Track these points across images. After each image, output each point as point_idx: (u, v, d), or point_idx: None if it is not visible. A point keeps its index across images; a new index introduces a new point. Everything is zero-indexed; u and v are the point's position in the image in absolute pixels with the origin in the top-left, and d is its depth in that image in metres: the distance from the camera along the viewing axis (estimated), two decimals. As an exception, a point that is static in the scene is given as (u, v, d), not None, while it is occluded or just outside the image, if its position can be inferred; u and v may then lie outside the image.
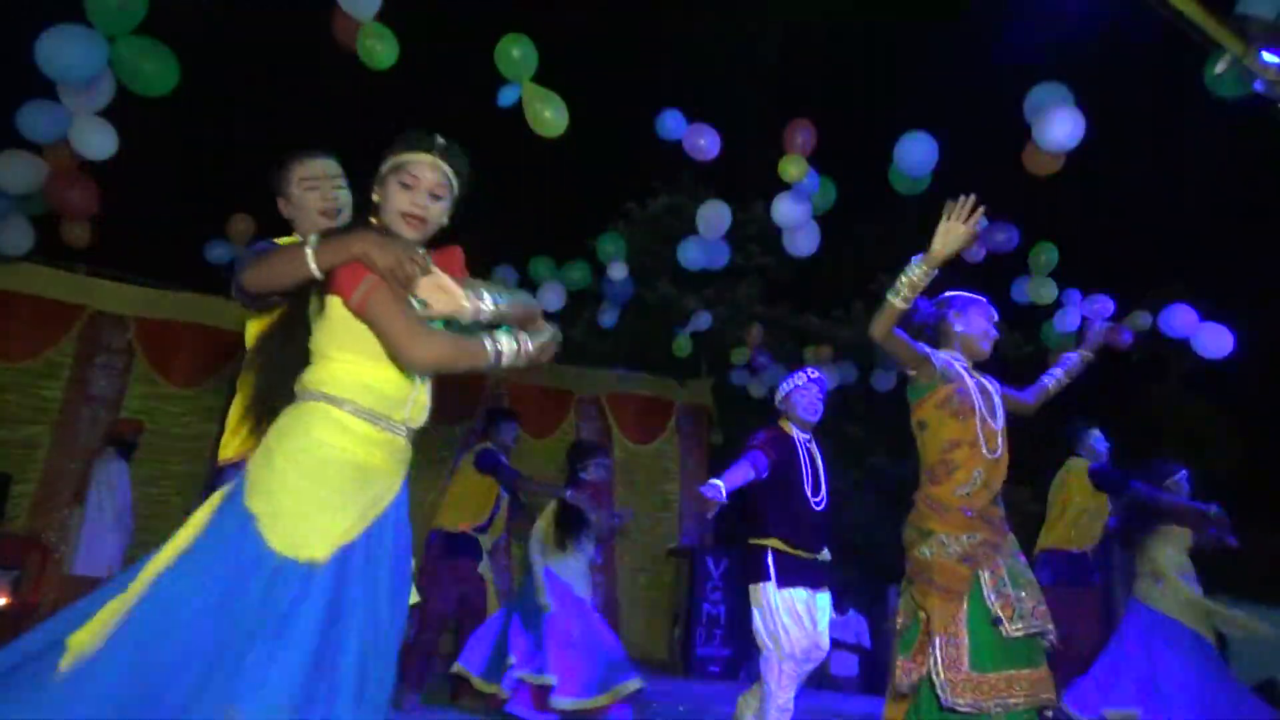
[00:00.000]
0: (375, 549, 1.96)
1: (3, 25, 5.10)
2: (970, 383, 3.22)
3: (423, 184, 2.12)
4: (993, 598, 2.89)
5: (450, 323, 2.09)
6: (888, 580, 8.60)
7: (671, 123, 6.19)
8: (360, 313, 1.97)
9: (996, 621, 2.86)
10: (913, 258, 3.05)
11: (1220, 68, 4.21)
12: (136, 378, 7.27)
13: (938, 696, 2.84)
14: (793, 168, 6.08)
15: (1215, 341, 6.81)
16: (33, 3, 4.44)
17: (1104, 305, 7.41)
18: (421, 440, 2.17)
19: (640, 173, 11.56)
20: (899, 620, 3.14)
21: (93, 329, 7.20)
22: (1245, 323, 7.13)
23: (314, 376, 2.01)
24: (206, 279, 7.64)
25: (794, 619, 4.19)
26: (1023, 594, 2.92)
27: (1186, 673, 5.06)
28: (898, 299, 3.03)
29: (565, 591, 5.27)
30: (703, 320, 9.29)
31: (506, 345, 2.06)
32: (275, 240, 2.64)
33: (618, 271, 7.98)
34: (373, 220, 2.18)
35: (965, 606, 2.90)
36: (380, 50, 4.97)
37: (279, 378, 2.08)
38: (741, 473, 4.12)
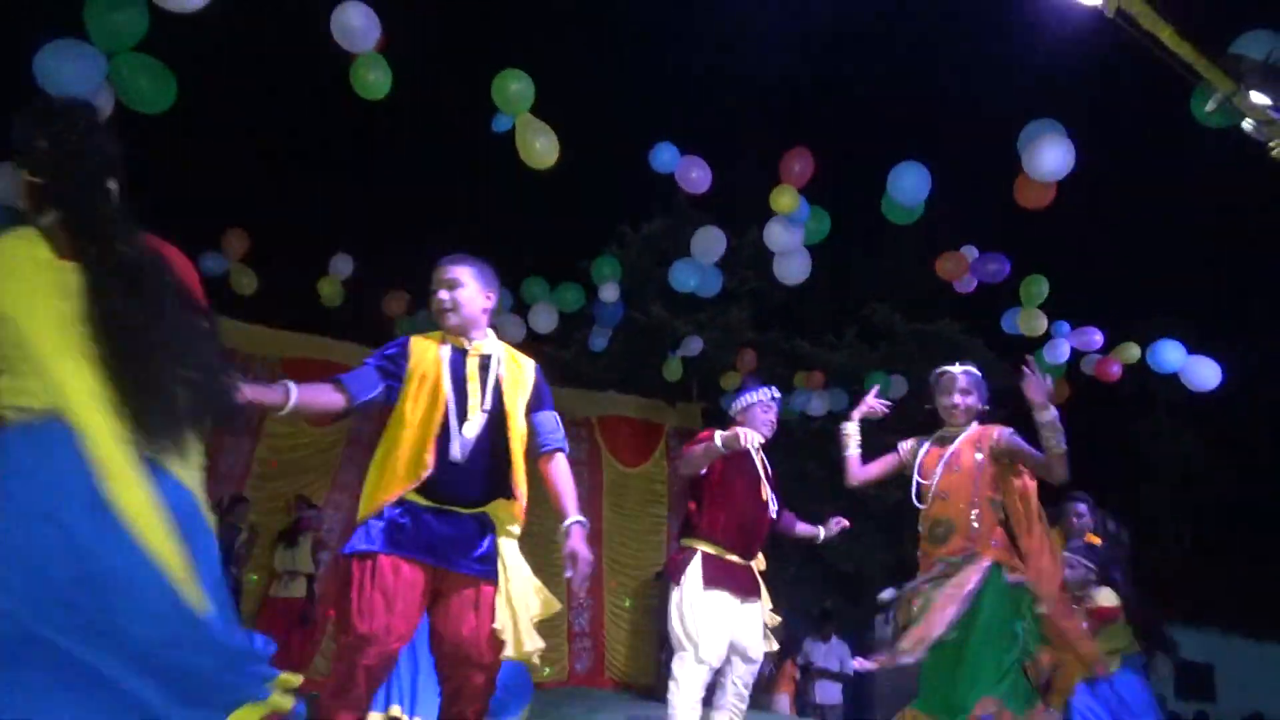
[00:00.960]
0: None
1: (1, 37, 5.12)
2: (921, 451, 3.90)
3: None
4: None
5: None
6: (875, 610, 8.57)
7: (665, 155, 6.22)
8: None
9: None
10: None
11: (1210, 106, 4.26)
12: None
13: None
14: (785, 199, 6.12)
15: (1204, 374, 6.85)
16: (33, 16, 4.46)
17: (1093, 337, 7.47)
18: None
19: (634, 196, 11.63)
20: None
21: (82, 342, 7.17)
22: (1233, 355, 7.18)
23: None
24: (199, 293, 7.61)
25: (714, 623, 4.11)
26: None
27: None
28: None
29: None
30: (694, 344, 9.31)
31: None
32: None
33: (610, 293, 7.99)
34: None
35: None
36: (374, 81, 4.99)
37: None
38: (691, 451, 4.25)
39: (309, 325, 7.80)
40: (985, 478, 3.68)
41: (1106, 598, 4.63)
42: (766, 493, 4.44)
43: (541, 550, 4.89)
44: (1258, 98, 4.04)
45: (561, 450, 3.00)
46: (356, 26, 4.78)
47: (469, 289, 2.89)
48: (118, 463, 1.77)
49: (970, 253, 7.11)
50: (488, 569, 2.81)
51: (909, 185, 5.87)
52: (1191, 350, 6.97)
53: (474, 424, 2.78)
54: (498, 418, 2.84)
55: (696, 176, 6.27)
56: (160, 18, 4.29)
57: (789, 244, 6.54)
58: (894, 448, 4.01)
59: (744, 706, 4.33)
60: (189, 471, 1.93)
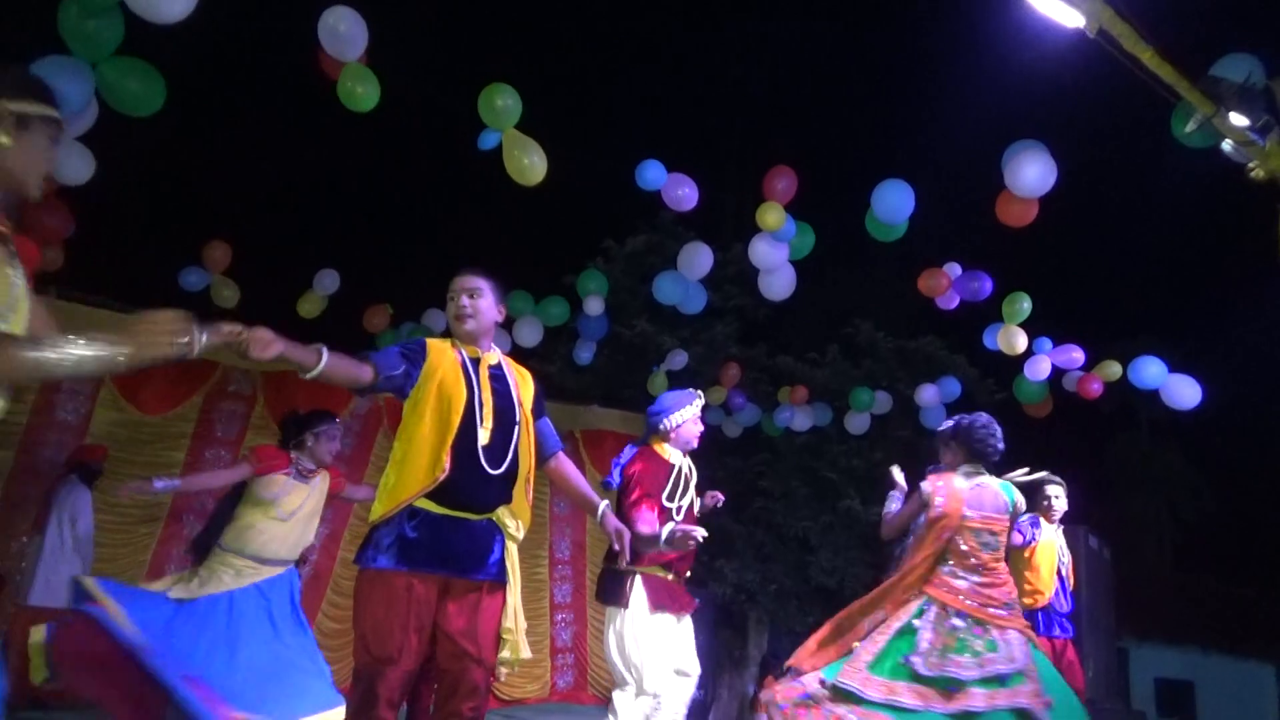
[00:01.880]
0: None
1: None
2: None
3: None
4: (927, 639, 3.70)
5: None
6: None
7: (651, 173, 6.24)
8: None
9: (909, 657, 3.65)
10: None
11: (1190, 127, 4.31)
12: (103, 403, 7.15)
13: None
14: (771, 215, 6.14)
15: (1184, 392, 6.90)
16: (8, 27, 4.43)
17: (1074, 355, 7.51)
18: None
19: (619, 212, 11.63)
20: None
21: (61, 353, 7.08)
22: (1214, 374, 7.24)
23: None
24: (180, 306, 7.53)
25: (659, 650, 3.97)
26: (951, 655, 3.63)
27: None
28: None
29: None
30: (679, 359, 9.31)
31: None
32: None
33: (595, 307, 7.99)
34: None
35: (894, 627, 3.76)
36: (362, 93, 4.97)
37: None
38: (651, 516, 3.93)
39: (290, 338, 7.76)
40: None
41: None
42: (695, 506, 4.36)
43: (525, 560, 4.87)
44: (1237, 119, 4.09)
45: (562, 450, 3.24)
46: (343, 32, 4.76)
47: (487, 300, 3.04)
48: None
49: (953, 270, 7.15)
50: (498, 573, 2.88)
51: (892, 203, 5.91)
52: (1172, 368, 7.03)
53: (488, 430, 2.86)
54: (510, 424, 2.93)
55: (683, 194, 6.29)
56: (141, 29, 4.27)
57: (774, 260, 6.56)
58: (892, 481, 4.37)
59: None
60: None
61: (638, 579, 4.04)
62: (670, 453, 4.32)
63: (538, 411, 3.13)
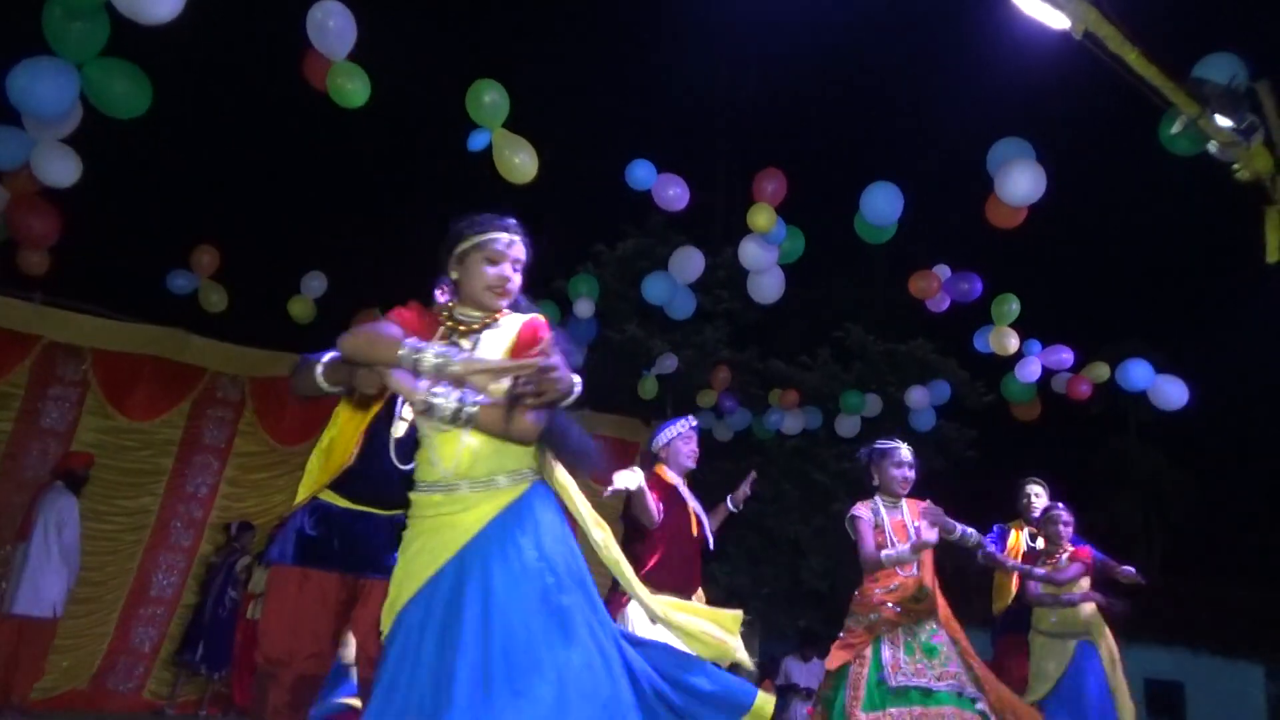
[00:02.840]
0: None
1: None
2: (886, 519, 4.29)
3: (507, 258, 2.32)
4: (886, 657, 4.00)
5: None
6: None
7: (641, 173, 6.23)
8: None
9: (883, 678, 3.95)
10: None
11: (1176, 128, 4.33)
12: (89, 410, 7.09)
13: None
14: (761, 218, 6.14)
15: (1171, 393, 6.93)
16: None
17: (1063, 356, 7.54)
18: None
19: (610, 215, 11.63)
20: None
21: (47, 360, 7.02)
22: (1201, 375, 7.27)
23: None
24: (167, 311, 7.51)
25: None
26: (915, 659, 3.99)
27: None
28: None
29: None
30: (669, 362, 9.30)
31: (429, 355, 1.95)
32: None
33: (585, 309, 7.97)
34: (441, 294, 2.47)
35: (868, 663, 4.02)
36: (351, 89, 4.95)
37: None
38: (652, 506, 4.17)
39: (279, 343, 7.71)
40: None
41: None
42: (698, 527, 4.43)
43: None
44: (1221, 120, 4.11)
45: None
46: (332, 28, 4.74)
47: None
48: None
49: (942, 272, 7.17)
50: None
51: (881, 205, 5.91)
52: (1159, 370, 7.06)
53: (406, 421, 2.66)
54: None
55: (674, 194, 6.28)
56: (128, 31, 4.24)
57: (764, 263, 6.55)
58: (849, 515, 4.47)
59: None
60: None
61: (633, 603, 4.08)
62: (670, 476, 4.50)
63: None
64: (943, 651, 4.05)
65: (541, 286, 8.61)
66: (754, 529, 11.07)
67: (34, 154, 4.89)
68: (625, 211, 11.27)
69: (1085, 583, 5.29)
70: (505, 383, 1.97)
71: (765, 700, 2.27)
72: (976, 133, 5.74)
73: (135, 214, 10.78)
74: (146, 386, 7.25)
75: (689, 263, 7.20)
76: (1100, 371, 7.49)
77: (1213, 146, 4.31)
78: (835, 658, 4.16)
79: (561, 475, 2.25)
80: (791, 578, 11.70)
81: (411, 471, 2.50)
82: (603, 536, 2.38)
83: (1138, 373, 7.06)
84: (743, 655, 2.55)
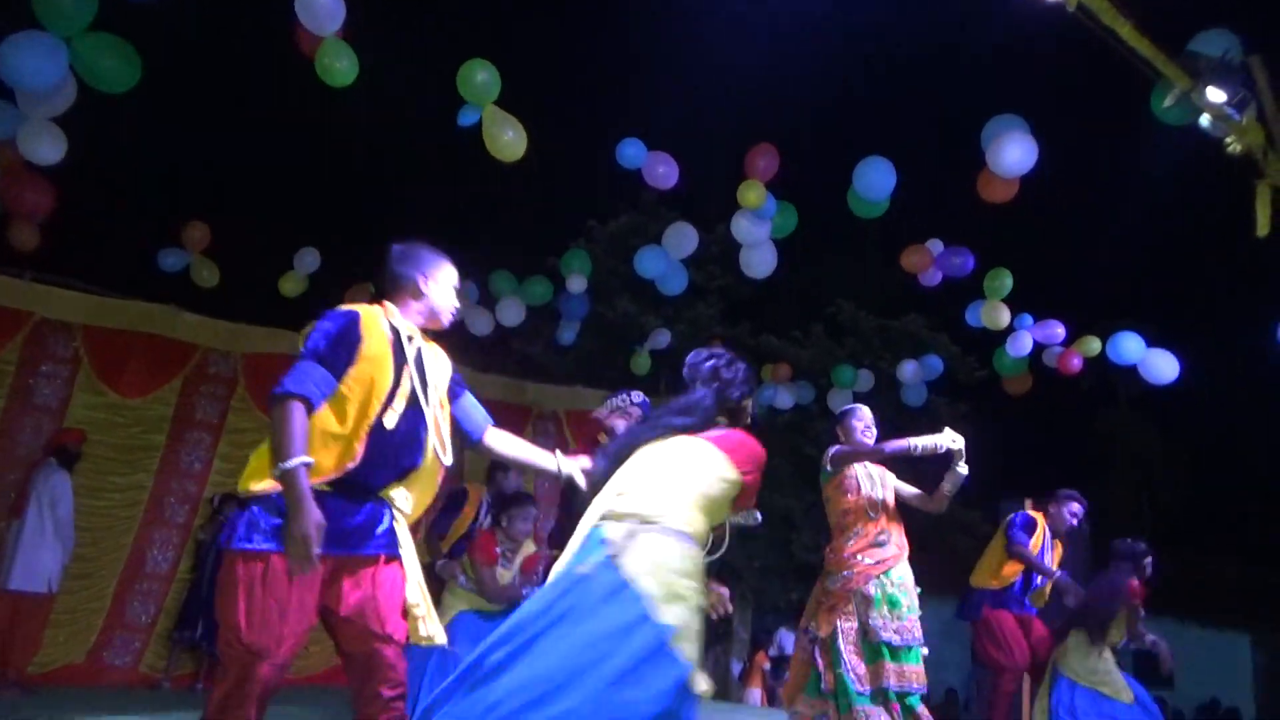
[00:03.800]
0: None
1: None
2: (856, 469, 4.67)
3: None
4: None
5: None
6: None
7: (631, 151, 6.21)
8: None
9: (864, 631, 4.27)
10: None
11: (1168, 101, 4.33)
12: (81, 387, 7.09)
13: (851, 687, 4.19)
14: (752, 194, 6.14)
15: (1162, 367, 6.97)
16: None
17: (1055, 331, 7.57)
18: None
19: (603, 191, 11.59)
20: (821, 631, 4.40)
21: (38, 336, 7.01)
22: (1192, 349, 7.31)
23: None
24: (158, 287, 7.49)
25: None
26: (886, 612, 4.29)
27: None
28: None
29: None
30: (662, 338, 9.31)
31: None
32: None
33: (578, 285, 7.97)
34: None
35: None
36: (339, 68, 4.91)
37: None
38: None
39: (271, 319, 7.70)
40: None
41: None
42: None
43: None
44: (1214, 94, 4.11)
45: (493, 423, 3.05)
46: (321, 5, 4.71)
47: None
48: None
49: (935, 246, 7.18)
50: (388, 544, 2.65)
51: (874, 180, 5.92)
52: (1150, 343, 7.09)
53: (397, 414, 2.64)
54: (418, 410, 2.70)
55: (663, 172, 6.28)
56: (117, 5, 4.21)
57: (756, 237, 6.56)
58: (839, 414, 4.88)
59: None
60: None
61: None
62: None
63: (456, 393, 2.91)
64: (904, 601, 4.35)
65: (535, 263, 8.58)
66: (746, 503, 11.13)
67: (21, 130, 4.86)
68: (618, 189, 11.25)
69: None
70: None
71: None
72: (969, 107, 5.74)
73: (126, 190, 10.71)
74: (138, 363, 7.24)
75: (682, 238, 7.20)
76: (1091, 345, 7.53)
77: (1205, 120, 4.31)
78: (825, 624, 4.40)
79: None
80: (783, 552, 11.79)
81: (405, 460, 2.67)
82: None
83: (1129, 346, 7.09)
84: None
